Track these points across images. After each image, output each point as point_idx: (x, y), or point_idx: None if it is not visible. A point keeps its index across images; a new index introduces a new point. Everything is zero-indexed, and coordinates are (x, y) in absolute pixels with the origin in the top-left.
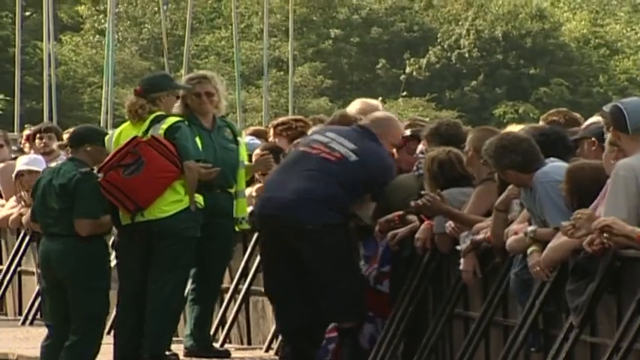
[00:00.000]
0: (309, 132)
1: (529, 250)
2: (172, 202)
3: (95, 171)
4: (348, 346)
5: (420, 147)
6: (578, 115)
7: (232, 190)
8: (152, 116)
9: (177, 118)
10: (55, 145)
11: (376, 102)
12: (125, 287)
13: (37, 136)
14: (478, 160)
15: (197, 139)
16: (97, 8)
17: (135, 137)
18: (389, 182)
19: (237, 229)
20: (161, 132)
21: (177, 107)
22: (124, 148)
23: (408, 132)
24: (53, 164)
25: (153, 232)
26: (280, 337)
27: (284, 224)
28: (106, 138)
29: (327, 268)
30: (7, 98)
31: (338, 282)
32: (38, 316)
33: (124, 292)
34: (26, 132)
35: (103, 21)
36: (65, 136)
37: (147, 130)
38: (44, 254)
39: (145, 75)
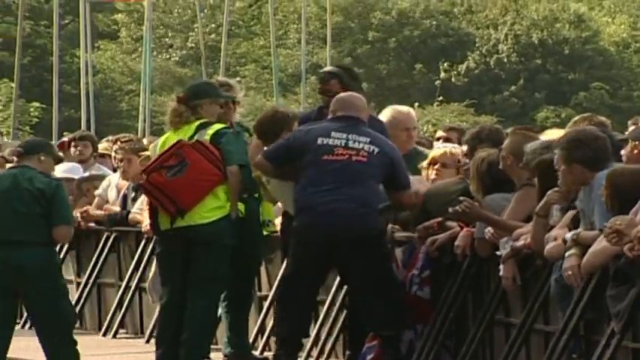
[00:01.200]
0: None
1: (568, 253)
2: (213, 208)
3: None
4: (390, 356)
5: (460, 151)
6: (604, 119)
7: (256, 195)
8: (198, 122)
9: (223, 125)
10: (89, 152)
11: (407, 108)
12: (166, 295)
13: (72, 144)
14: (517, 165)
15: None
16: (133, 16)
17: (179, 140)
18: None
19: (264, 232)
20: (207, 137)
21: None
22: (168, 150)
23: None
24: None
25: (191, 239)
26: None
27: (343, 233)
28: (151, 146)
29: (378, 276)
30: (44, 106)
31: (386, 290)
32: (77, 324)
33: (164, 300)
34: (62, 140)
35: (139, 29)
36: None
37: (192, 136)
38: (7, 262)
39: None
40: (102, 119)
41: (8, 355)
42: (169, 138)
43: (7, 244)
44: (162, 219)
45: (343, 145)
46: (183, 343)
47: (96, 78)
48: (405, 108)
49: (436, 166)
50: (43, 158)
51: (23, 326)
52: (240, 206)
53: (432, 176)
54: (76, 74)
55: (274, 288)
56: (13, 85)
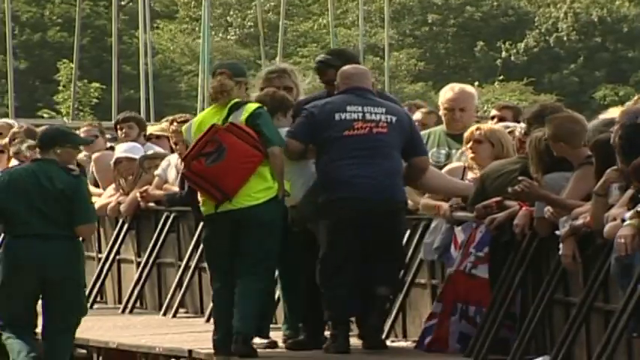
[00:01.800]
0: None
1: (626, 223)
2: (262, 189)
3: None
4: (379, 315)
5: (518, 130)
6: None
7: None
8: (231, 103)
9: (257, 105)
10: (135, 133)
11: (469, 86)
12: (217, 281)
13: (118, 126)
14: (569, 147)
15: None
16: None
17: (213, 125)
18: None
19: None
20: (242, 119)
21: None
22: (203, 137)
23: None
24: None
25: (240, 221)
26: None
27: (377, 206)
28: (183, 128)
29: (394, 243)
30: (104, 87)
31: (395, 254)
32: (137, 304)
33: (217, 285)
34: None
35: (197, 8)
36: (152, 127)
37: (226, 118)
38: (32, 255)
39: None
40: (161, 99)
41: (103, 340)
42: (205, 119)
43: (32, 238)
44: (206, 204)
45: (361, 118)
46: (237, 324)
47: (155, 59)
48: (466, 86)
49: (469, 145)
50: (59, 151)
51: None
52: (286, 185)
53: (470, 155)
54: (135, 55)
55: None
56: (73, 65)
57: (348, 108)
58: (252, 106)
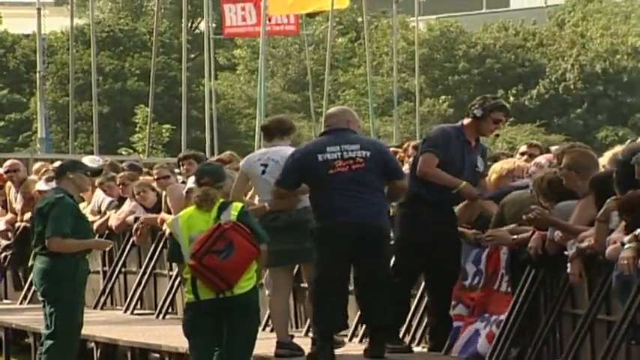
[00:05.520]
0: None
1: (626, 246)
2: (247, 279)
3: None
4: (381, 347)
5: (533, 168)
6: None
7: None
8: (218, 204)
9: (242, 204)
10: (194, 168)
11: None
12: (196, 358)
13: (180, 163)
14: (578, 178)
15: None
16: (248, 51)
17: (219, 224)
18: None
19: None
20: (233, 218)
21: None
22: (212, 234)
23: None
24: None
25: (229, 307)
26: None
27: (371, 231)
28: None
29: (382, 270)
30: (174, 128)
31: (386, 284)
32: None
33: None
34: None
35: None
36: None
37: (218, 216)
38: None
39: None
40: (223, 139)
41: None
42: (193, 216)
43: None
44: (204, 290)
45: (340, 157)
46: None
47: (219, 104)
48: None
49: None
50: (71, 176)
51: (157, 316)
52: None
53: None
54: (201, 100)
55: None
56: (148, 110)
57: (328, 149)
58: (238, 206)
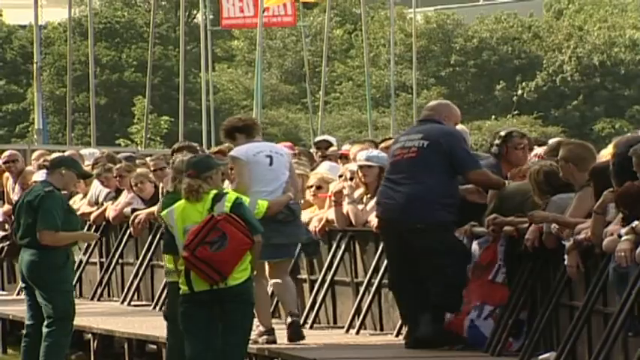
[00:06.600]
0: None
1: (623, 238)
2: (241, 270)
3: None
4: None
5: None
6: None
7: None
8: (212, 195)
9: (236, 195)
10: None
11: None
12: (191, 350)
13: (174, 154)
14: (576, 170)
15: None
16: (245, 42)
17: (212, 216)
18: (465, 145)
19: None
20: (227, 209)
21: None
22: (204, 226)
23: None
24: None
25: (223, 298)
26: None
27: (396, 225)
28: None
29: (434, 261)
30: (172, 120)
31: (442, 274)
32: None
33: (191, 355)
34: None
35: (251, 53)
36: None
37: (211, 208)
38: (20, 262)
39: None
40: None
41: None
42: (187, 208)
43: (21, 248)
44: (198, 282)
45: (401, 146)
46: None
47: (216, 96)
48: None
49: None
50: (64, 172)
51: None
52: (264, 205)
53: None
54: (198, 92)
55: (367, 275)
56: (146, 101)
57: (401, 138)
58: (231, 197)
